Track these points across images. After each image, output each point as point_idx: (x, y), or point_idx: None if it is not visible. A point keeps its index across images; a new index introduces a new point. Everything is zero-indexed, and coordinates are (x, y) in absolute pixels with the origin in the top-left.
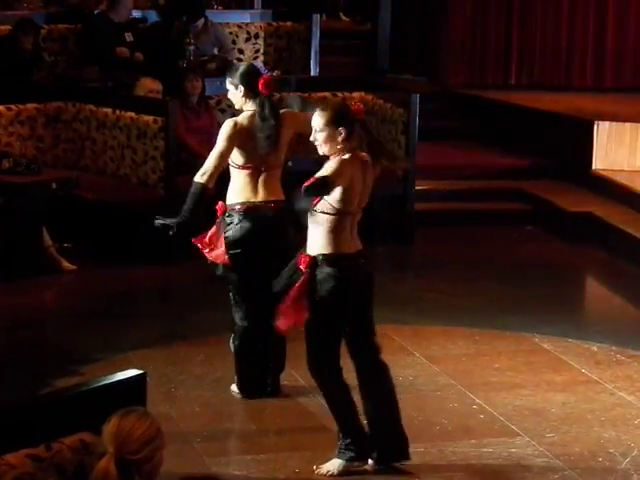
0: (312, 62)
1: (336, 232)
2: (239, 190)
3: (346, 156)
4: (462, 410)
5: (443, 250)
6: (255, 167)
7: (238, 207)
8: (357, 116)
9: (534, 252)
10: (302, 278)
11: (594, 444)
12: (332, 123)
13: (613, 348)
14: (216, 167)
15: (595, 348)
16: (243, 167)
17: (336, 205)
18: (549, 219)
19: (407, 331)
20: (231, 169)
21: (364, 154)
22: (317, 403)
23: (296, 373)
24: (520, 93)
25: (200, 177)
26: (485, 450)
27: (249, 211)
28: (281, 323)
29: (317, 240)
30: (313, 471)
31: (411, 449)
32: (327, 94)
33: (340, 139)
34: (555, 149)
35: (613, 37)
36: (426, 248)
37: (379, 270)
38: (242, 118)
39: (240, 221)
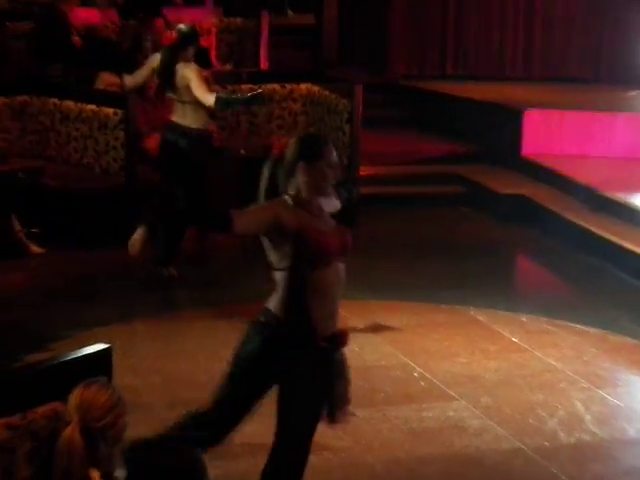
0: (262, 56)
1: None
2: None
3: None
4: (404, 377)
5: (386, 231)
6: None
7: None
8: None
9: (469, 232)
10: None
11: (524, 406)
12: None
13: (542, 318)
14: None
15: (525, 319)
16: None
17: None
18: (483, 201)
19: (354, 306)
20: None
21: None
22: None
23: None
24: (456, 83)
25: None
26: (425, 414)
27: None
28: None
29: None
30: (268, 436)
31: (357, 414)
32: (276, 86)
33: None
34: (488, 136)
35: (541, 29)
36: (370, 229)
37: None
38: None
39: None
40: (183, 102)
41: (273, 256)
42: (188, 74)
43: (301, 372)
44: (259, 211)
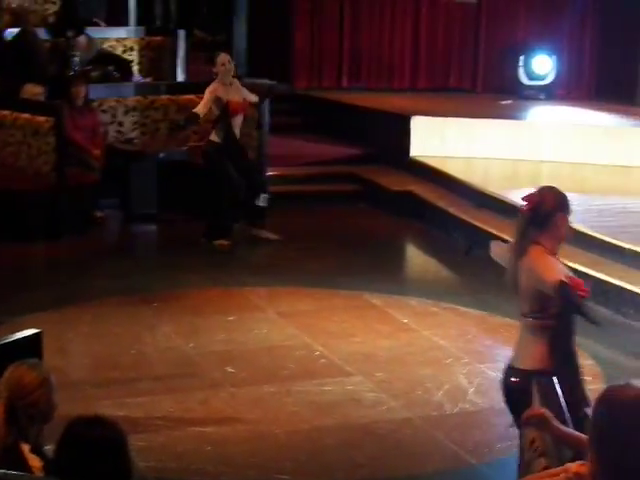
0: (179, 70)
1: None
2: None
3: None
4: (306, 356)
5: (291, 225)
6: None
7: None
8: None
9: (364, 225)
10: None
11: (414, 381)
12: None
13: (428, 301)
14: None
15: (414, 302)
16: None
17: None
18: (376, 197)
19: (261, 292)
20: None
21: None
22: (188, 353)
23: (171, 330)
24: (351, 94)
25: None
26: (325, 388)
27: None
28: None
29: None
30: (184, 410)
31: (265, 390)
32: (192, 96)
33: None
34: (380, 139)
35: (425, 47)
36: (277, 224)
37: (237, 242)
38: None
39: None
40: None
41: (532, 304)
42: None
43: None
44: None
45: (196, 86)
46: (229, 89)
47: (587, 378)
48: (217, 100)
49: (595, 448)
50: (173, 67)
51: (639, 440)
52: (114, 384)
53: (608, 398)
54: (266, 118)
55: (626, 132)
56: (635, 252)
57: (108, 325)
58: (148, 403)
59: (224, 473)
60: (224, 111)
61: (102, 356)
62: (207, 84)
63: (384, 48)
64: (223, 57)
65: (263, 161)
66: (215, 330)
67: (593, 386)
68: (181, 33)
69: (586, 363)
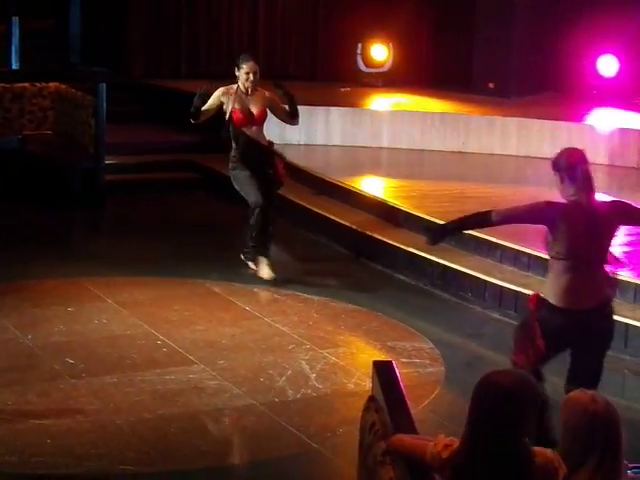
0: (13, 57)
1: (552, 276)
2: None
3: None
4: (148, 345)
5: (130, 214)
6: None
7: None
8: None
9: (205, 213)
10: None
11: (257, 367)
12: (553, 167)
13: (270, 289)
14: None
15: (256, 289)
16: None
17: (549, 248)
18: (215, 185)
19: (101, 282)
20: None
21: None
22: (26, 345)
23: (8, 322)
24: (190, 81)
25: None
26: (168, 377)
27: None
28: (517, 357)
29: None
30: (23, 403)
31: (106, 380)
32: (27, 85)
33: (558, 184)
34: (220, 127)
35: (264, 34)
36: (115, 213)
37: (74, 232)
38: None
39: None
40: None
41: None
42: None
43: None
44: None
45: (31, 74)
46: (243, 98)
47: (426, 361)
48: (222, 106)
49: (467, 427)
50: (7, 54)
51: (504, 423)
52: None
53: (484, 382)
54: (103, 106)
55: (462, 119)
56: (473, 237)
57: None
58: None
59: (65, 466)
60: (230, 120)
61: None
62: (43, 71)
63: (222, 34)
64: (252, 66)
65: (100, 150)
66: (54, 321)
67: (431, 369)
68: (15, 20)
69: (425, 347)
